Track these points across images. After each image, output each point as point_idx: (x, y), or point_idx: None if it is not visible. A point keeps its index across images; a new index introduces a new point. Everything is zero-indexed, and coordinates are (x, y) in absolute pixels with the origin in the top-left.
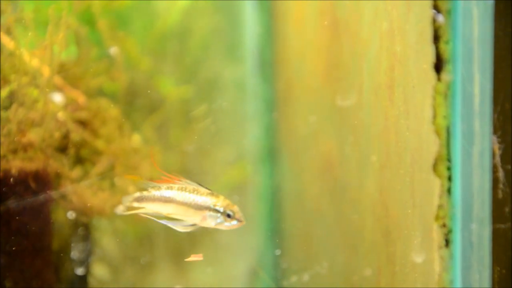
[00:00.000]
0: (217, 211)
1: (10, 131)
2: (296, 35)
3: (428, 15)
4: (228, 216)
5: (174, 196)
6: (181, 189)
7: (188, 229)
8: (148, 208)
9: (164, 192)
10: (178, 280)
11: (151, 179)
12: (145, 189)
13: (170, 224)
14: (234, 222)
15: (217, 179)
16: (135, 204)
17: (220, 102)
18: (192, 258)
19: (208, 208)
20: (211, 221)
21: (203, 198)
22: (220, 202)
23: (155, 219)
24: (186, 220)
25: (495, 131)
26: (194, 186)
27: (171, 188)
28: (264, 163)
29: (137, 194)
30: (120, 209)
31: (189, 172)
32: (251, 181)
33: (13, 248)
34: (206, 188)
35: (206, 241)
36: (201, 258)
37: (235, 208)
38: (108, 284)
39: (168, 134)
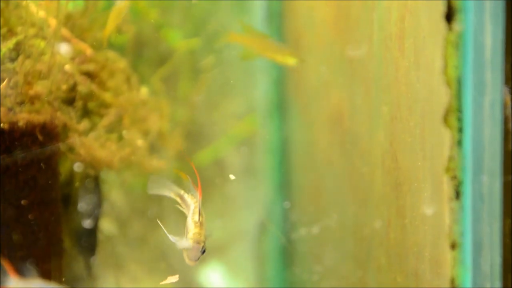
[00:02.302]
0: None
1: (17, 83)
2: None
3: None
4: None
5: (191, 212)
6: (195, 208)
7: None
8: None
9: (192, 203)
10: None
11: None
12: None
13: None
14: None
15: (226, 131)
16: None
17: (229, 54)
18: (168, 280)
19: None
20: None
21: (192, 226)
22: (190, 233)
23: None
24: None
25: (506, 82)
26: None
27: (195, 202)
28: (273, 115)
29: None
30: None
31: (199, 124)
32: (260, 133)
33: (21, 201)
34: (201, 215)
35: (215, 194)
36: (176, 279)
37: (194, 246)
38: (116, 237)
39: (176, 87)
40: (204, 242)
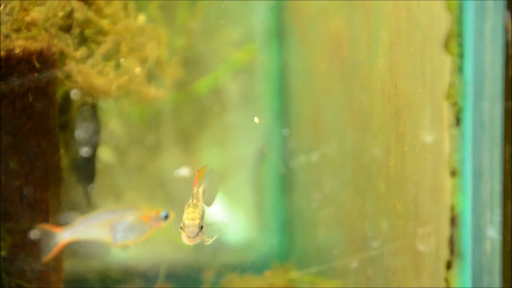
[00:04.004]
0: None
1: (13, 9)
2: None
3: None
4: (181, 228)
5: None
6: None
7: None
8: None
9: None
10: (185, 162)
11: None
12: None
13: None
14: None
15: (224, 59)
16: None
17: None
18: None
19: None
20: None
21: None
22: (185, 214)
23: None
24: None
25: (508, 6)
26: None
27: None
28: (272, 42)
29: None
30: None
31: (197, 52)
32: (259, 61)
33: (18, 129)
34: (195, 198)
35: (214, 123)
36: None
37: (189, 223)
38: (115, 165)
39: (174, 14)
40: (201, 220)
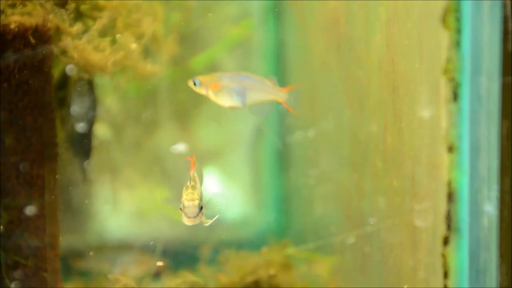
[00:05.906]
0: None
1: None
2: None
3: None
4: (181, 209)
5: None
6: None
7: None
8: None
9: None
10: (182, 138)
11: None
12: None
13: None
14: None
15: (221, 36)
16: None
17: None
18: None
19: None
20: None
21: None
22: (184, 196)
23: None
24: None
25: None
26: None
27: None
28: (269, 18)
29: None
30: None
31: (193, 28)
32: (255, 38)
33: (14, 105)
34: (193, 180)
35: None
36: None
37: (188, 204)
38: (111, 142)
39: None
40: (200, 200)
